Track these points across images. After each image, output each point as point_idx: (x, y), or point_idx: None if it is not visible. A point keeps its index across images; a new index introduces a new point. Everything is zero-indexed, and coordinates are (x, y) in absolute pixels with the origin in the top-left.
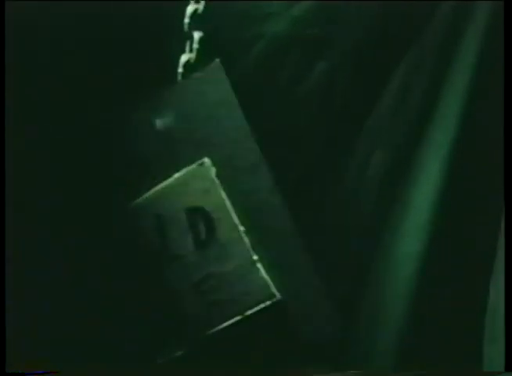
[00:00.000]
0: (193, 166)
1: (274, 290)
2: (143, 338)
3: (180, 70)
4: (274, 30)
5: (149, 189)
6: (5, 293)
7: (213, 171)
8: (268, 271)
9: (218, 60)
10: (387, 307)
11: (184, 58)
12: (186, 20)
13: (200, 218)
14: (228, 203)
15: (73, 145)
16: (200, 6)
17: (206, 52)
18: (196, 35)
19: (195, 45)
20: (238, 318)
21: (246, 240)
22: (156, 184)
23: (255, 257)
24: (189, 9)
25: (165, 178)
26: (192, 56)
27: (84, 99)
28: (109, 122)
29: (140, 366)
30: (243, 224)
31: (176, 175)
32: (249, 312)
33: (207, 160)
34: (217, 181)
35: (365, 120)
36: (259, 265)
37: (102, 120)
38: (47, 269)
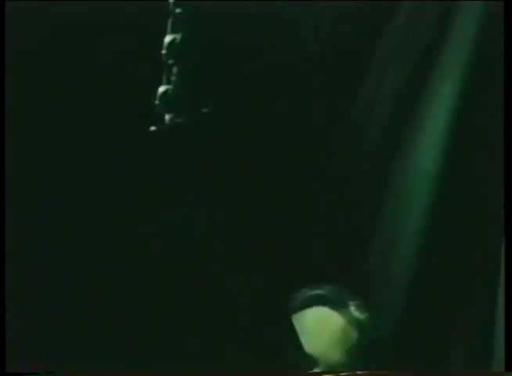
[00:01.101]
0: None
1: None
2: (141, 339)
3: (157, 102)
4: None
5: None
6: (5, 293)
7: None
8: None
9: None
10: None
11: (161, 89)
12: (164, 51)
13: None
14: None
15: (73, 145)
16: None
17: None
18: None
19: (173, 78)
20: None
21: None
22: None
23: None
24: (167, 39)
25: None
26: (170, 87)
27: (83, 99)
28: (109, 124)
29: (140, 367)
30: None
31: None
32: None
33: None
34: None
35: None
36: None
37: (102, 121)
38: (47, 269)
